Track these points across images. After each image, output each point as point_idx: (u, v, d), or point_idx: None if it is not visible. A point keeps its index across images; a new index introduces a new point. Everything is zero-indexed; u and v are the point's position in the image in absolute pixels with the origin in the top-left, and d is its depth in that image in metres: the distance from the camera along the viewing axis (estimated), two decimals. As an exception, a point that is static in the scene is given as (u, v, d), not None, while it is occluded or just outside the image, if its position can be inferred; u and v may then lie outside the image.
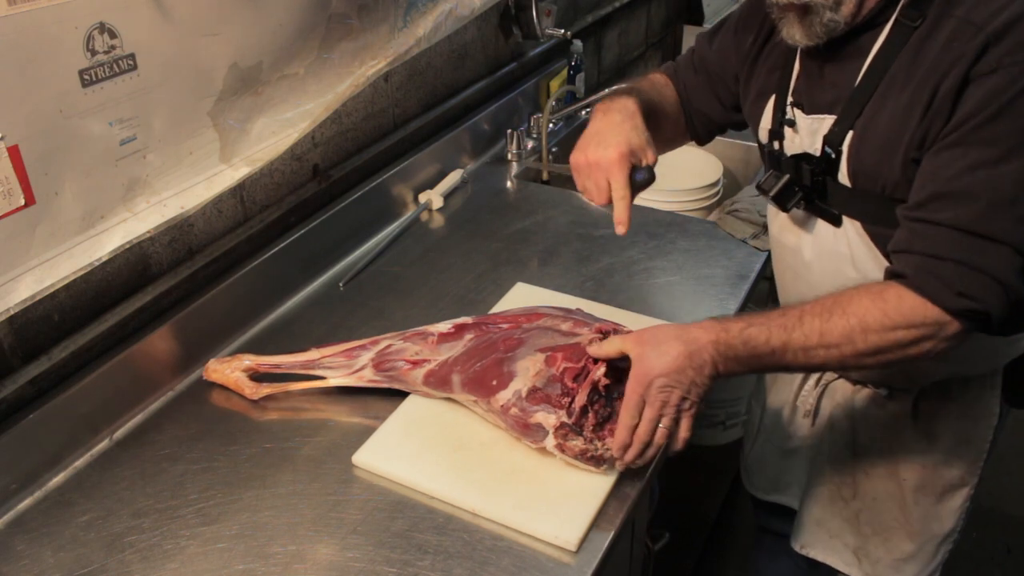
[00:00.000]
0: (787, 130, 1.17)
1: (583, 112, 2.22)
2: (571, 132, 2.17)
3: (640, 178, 1.14)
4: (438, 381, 1.18)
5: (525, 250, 1.63)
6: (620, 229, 1.13)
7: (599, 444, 1.05)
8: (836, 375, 1.34)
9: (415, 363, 1.21)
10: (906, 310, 0.97)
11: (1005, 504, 2.39)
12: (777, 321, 1.00)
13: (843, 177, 1.11)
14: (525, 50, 2.15)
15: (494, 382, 1.11)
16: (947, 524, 1.30)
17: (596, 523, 1.04)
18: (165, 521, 1.06)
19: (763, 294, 1.72)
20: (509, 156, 1.99)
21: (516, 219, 1.73)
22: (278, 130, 1.36)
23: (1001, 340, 1.17)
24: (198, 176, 1.25)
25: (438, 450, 1.13)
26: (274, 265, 1.44)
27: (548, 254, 1.61)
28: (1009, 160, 0.94)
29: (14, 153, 0.99)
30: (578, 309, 1.23)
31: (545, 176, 2.00)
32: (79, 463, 1.15)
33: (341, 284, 1.52)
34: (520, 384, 1.09)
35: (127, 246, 1.16)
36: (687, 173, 2.03)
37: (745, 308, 1.46)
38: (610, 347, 1.05)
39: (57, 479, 1.13)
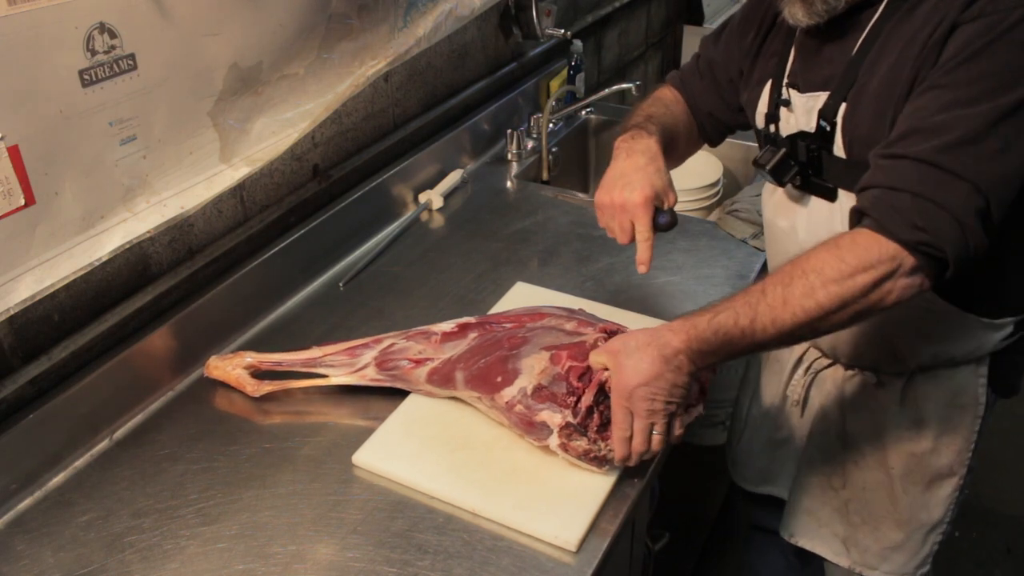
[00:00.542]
0: (783, 111, 1.18)
1: (583, 112, 2.22)
2: (571, 132, 2.18)
3: (663, 221, 1.18)
4: (441, 378, 1.18)
5: (525, 250, 1.63)
6: (642, 269, 1.18)
7: (602, 445, 1.05)
8: (826, 362, 1.34)
9: (418, 362, 1.21)
10: (860, 251, 0.96)
11: (1005, 504, 2.38)
12: (741, 300, 1.00)
13: (838, 149, 1.11)
14: (525, 50, 2.15)
15: (499, 379, 1.11)
16: (935, 514, 1.30)
17: (596, 523, 1.04)
18: (165, 521, 1.06)
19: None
20: (509, 156, 1.99)
21: (516, 219, 1.73)
22: (278, 130, 1.36)
23: (983, 321, 1.17)
24: (198, 176, 1.25)
25: (438, 450, 1.13)
26: (274, 265, 1.44)
27: (548, 254, 1.61)
28: (982, 100, 0.94)
29: (14, 153, 0.99)
30: (580, 309, 1.23)
31: (545, 176, 2.00)
32: (79, 463, 1.15)
33: (341, 284, 1.52)
34: (525, 382, 1.09)
35: (127, 246, 1.16)
36: (687, 173, 2.02)
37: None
38: (595, 362, 1.06)
39: (57, 479, 1.13)
